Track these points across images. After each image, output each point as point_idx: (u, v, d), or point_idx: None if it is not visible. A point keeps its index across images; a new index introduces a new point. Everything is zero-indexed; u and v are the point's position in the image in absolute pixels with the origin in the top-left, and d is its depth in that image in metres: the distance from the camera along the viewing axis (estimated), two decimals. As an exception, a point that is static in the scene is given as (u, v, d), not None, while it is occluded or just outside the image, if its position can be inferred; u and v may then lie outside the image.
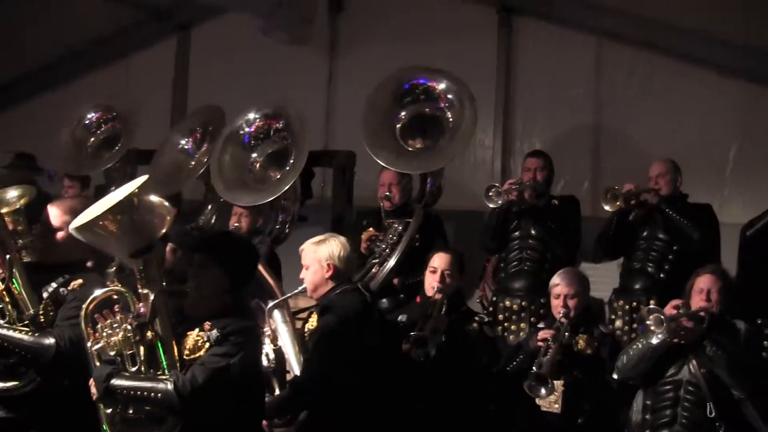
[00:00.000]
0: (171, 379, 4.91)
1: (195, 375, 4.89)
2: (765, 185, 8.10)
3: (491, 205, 8.12)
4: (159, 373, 5.02)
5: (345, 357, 6.01)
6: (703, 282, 6.38)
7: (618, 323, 7.89)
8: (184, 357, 5.04)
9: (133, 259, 5.01)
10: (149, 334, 5.02)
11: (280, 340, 6.38)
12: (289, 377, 6.42)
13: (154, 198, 5.69)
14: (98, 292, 5.17)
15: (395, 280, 8.08)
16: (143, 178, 5.11)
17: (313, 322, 6.33)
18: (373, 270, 8.05)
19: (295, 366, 6.29)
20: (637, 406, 6.39)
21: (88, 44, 11.89)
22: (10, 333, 5.60)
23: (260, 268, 6.59)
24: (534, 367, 6.44)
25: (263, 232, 8.16)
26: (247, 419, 5.15)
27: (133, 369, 5.03)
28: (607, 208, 7.93)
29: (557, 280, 6.87)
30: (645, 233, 8.07)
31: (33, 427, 5.75)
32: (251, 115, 8.20)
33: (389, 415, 6.32)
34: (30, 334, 5.59)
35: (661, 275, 7.88)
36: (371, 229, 8.30)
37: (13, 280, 5.72)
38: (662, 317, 6.00)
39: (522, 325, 7.97)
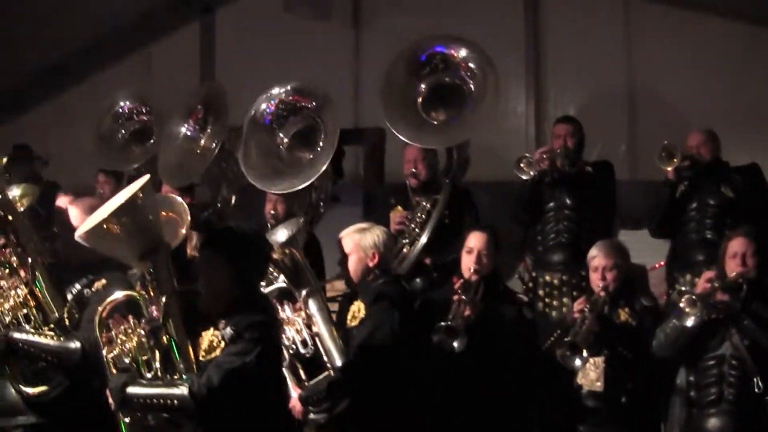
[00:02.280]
0: (186, 384, 4.81)
1: (210, 377, 4.78)
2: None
3: (523, 177, 7.90)
4: (176, 377, 4.92)
5: (393, 346, 5.98)
6: (737, 245, 6.11)
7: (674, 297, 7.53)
8: (201, 358, 4.96)
9: (141, 262, 4.92)
10: (164, 338, 4.91)
11: (316, 327, 6.23)
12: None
13: (162, 196, 5.65)
14: (110, 299, 5.09)
15: (427, 260, 7.87)
16: (144, 178, 4.99)
17: (360, 309, 6.22)
18: (404, 250, 7.85)
19: (334, 353, 6.14)
20: (681, 383, 6.18)
21: (110, 35, 11.69)
22: (36, 338, 5.59)
23: (297, 255, 6.42)
24: (569, 336, 6.28)
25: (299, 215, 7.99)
26: (268, 415, 5.02)
27: (149, 375, 4.94)
28: (665, 167, 7.62)
29: (594, 252, 6.65)
30: (695, 204, 7.83)
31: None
32: (271, 93, 7.99)
33: (426, 404, 6.22)
34: (55, 338, 5.59)
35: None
36: (399, 208, 8.10)
37: (36, 282, 5.69)
38: (694, 298, 5.82)
39: (564, 300, 7.74)
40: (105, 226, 4.76)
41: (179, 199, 5.97)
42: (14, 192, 6.08)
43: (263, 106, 7.85)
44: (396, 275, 6.51)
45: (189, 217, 5.83)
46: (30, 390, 5.76)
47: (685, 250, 7.84)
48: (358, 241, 6.29)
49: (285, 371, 6.04)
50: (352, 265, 6.30)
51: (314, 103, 7.79)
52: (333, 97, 7.83)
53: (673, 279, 7.85)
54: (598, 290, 6.51)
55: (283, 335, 6.11)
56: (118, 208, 4.76)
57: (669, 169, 7.60)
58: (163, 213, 5.69)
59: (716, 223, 7.66)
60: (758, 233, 6.28)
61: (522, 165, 7.87)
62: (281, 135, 7.87)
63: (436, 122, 7.99)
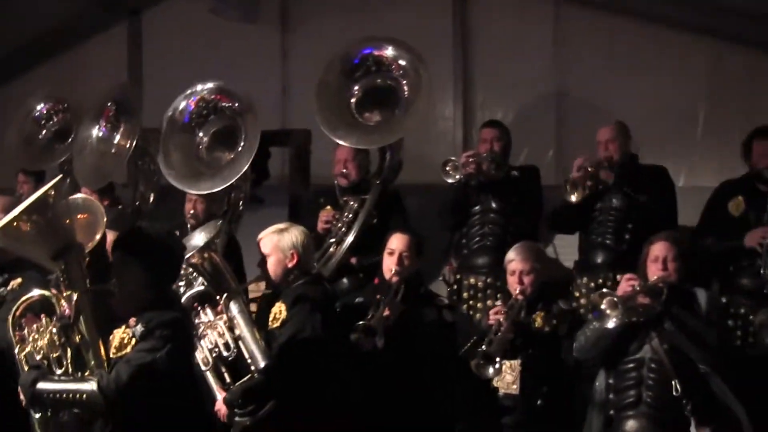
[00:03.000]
0: (95, 379, 4.82)
1: (119, 373, 4.81)
2: (736, 146, 7.89)
3: (449, 180, 7.89)
4: (87, 374, 4.93)
5: (315, 347, 5.96)
6: (658, 249, 6.13)
7: (583, 301, 7.59)
8: (111, 356, 4.97)
9: (54, 261, 4.94)
10: (75, 335, 4.94)
11: (238, 330, 6.18)
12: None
13: (79, 198, 5.62)
14: (24, 298, 5.12)
15: (353, 260, 7.86)
16: (57, 178, 5.04)
17: (281, 311, 6.16)
18: (331, 250, 7.85)
19: (257, 355, 6.09)
20: (600, 386, 6.17)
21: (37, 37, 11.55)
22: None
23: (217, 260, 6.39)
24: (483, 346, 6.26)
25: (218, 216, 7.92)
26: (182, 414, 5.02)
27: (60, 372, 4.95)
28: (573, 199, 7.64)
29: (512, 256, 6.66)
30: (599, 205, 7.85)
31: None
32: (193, 90, 7.96)
33: (347, 404, 6.18)
34: (-27, 337, 5.50)
35: (623, 246, 7.65)
36: (329, 207, 8.06)
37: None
38: (616, 300, 5.80)
39: (489, 302, 7.67)
40: (16, 224, 4.77)
41: (95, 200, 5.90)
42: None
43: (183, 104, 7.83)
44: (316, 275, 6.48)
45: (104, 219, 5.75)
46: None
47: (587, 251, 7.88)
48: (276, 242, 6.25)
49: (208, 374, 6.10)
50: (272, 266, 6.26)
51: (236, 105, 7.78)
52: (257, 100, 7.84)
53: (575, 284, 7.87)
54: (515, 294, 6.50)
55: (205, 339, 6.10)
56: (28, 206, 4.78)
57: (577, 201, 7.62)
58: (80, 216, 5.65)
59: (618, 229, 7.69)
60: (680, 238, 6.30)
61: (448, 168, 7.86)
62: (201, 134, 7.87)
63: (370, 123, 8.03)
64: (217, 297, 6.27)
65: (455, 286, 8.09)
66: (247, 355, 6.11)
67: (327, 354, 6.03)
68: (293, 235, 6.26)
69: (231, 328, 6.17)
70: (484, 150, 8.08)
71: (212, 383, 6.12)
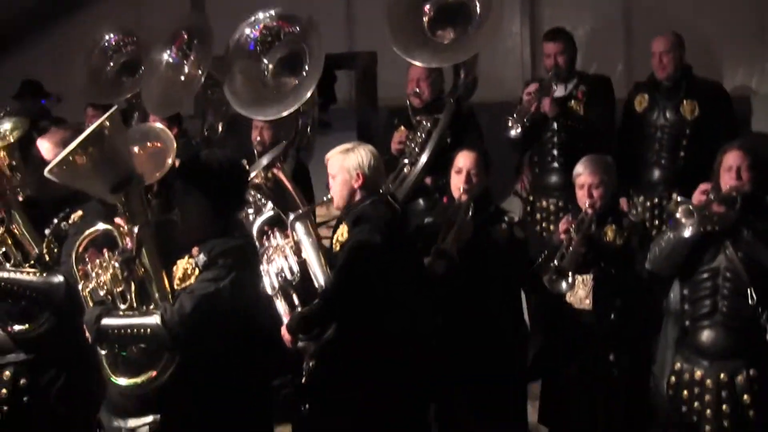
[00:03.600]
0: (159, 312, 4.79)
1: (183, 304, 4.76)
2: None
3: (512, 134, 7.82)
4: (151, 307, 4.88)
5: (378, 269, 5.78)
6: (732, 159, 5.91)
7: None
8: (175, 287, 4.91)
9: (113, 194, 4.87)
10: (137, 269, 4.87)
11: (304, 253, 6.10)
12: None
13: (147, 126, 5.54)
14: (86, 233, 5.02)
15: (428, 180, 7.79)
16: (112, 109, 4.91)
17: (343, 233, 6.00)
18: (405, 170, 7.80)
19: (321, 279, 6.01)
20: (674, 296, 6.07)
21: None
22: (18, 276, 5.57)
23: (282, 178, 6.34)
24: (555, 260, 6.19)
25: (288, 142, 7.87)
26: (248, 343, 5.02)
27: (124, 307, 4.89)
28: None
29: (580, 169, 6.51)
30: (652, 120, 7.72)
31: (52, 367, 5.76)
32: (255, 18, 7.88)
33: (415, 332, 6.04)
34: (38, 274, 5.54)
35: (679, 163, 7.48)
36: (402, 128, 7.99)
37: (13, 220, 5.64)
38: (691, 208, 5.66)
39: (561, 224, 7.71)
40: (72, 159, 4.67)
41: (165, 128, 5.84)
42: (4, 126, 5.96)
43: (247, 31, 7.75)
44: (384, 196, 6.20)
45: (174, 146, 5.70)
46: (16, 327, 5.73)
47: (642, 169, 7.74)
48: (342, 162, 6.07)
49: (276, 299, 5.98)
50: (336, 186, 6.10)
51: (298, 29, 7.67)
52: (318, 22, 7.72)
53: (632, 202, 7.76)
54: (585, 208, 6.40)
55: (273, 263, 6.00)
56: (84, 139, 4.66)
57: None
58: (149, 144, 5.59)
59: (672, 144, 7.54)
60: (754, 146, 6.12)
61: (510, 125, 7.79)
62: (266, 61, 7.80)
63: (443, 41, 7.89)
64: (285, 219, 6.19)
65: (528, 208, 8.01)
66: (314, 280, 6.04)
67: (390, 279, 5.85)
68: (359, 154, 6.06)
69: (297, 252, 6.09)
70: (549, 64, 7.99)
71: (280, 309, 5.99)
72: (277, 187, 6.30)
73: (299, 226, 6.16)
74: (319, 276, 6.01)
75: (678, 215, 5.70)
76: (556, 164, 8.08)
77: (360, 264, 5.75)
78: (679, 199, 5.86)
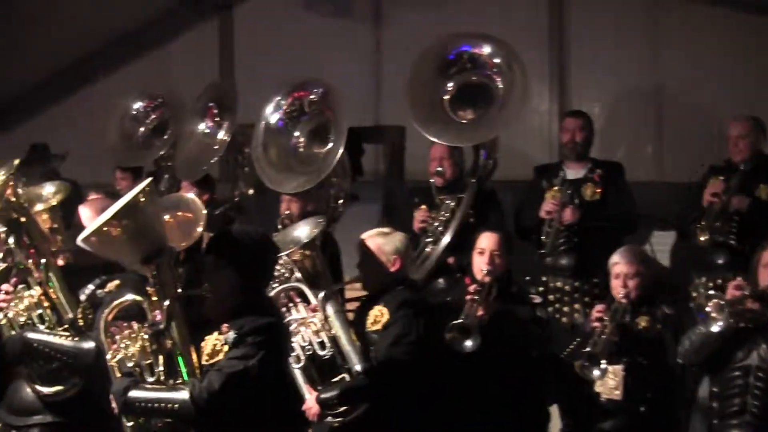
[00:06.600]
0: (187, 388, 4.76)
1: (211, 381, 4.72)
2: None
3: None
4: (179, 382, 4.86)
5: (418, 352, 5.96)
6: None
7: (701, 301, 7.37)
8: (204, 362, 4.89)
9: (144, 265, 4.86)
10: (166, 342, 4.87)
11: (334, 330, 6.12)
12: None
13: (178, 196, 5.55)
14: (115, 303, 5.04)
15: (450, 260, 7.77)
16: (146, 180, 4.91)
17: (382, 314, 6.13)
18: (427, 249, 7.78)
19: (353, 356, 6.04)
20: (703, 392, 6.04)
21: (128, 33, 11.55)
22: (51, 338, 5.56)
23: (315, 255, 6.36)
24: (588, 347, 6.16)
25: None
26: (271, 420, 4.94)
27: (152, 379, 4.88)
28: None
29: (617, 259, 6.48)
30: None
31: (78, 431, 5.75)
32: (277, 97, 7.88)
33: (440, 408, 6.18)
34: (70, 338, 5.54)
35: (746, 247, 7.45)
36: (424, 207, 7.98)
37: (50, 283, 5.62)
38: (722, 303, 5.64)
39: (576, 306, 7.71)
40: (106, 229, 4.69)
41: (195, 198, 5.86)
42: (48, 189, 6.01)
43: (274, 110, 7.78)
44: (414, 282, 6.42)
45: (203, 215, 5.72)
46: (45, 389, 5.71)
47: (705, 252, 7.70)
48: (380, 246, 6.21)
49: (298, 373, 6.03)
50: (371, 267, 6.22)
51: (318, 95, 7.74)
52: (349, 96, 7.84)
53: (690, 278, 7.71)
54: (619, 297, 6.37)
55: (297, 336, 6.05)
56: (118, 211, 4.69)
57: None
58: (179, 213, 5.61)
59: (741, 229, 7.52)
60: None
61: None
62: (297, 133, 7.80)
63: (464, 121, 7.94)
64: (312, 295, 6.20)
65: (541, 288, 7.99)
66: (340, 356, 6.06)
67: (425, 359, 6.00)
68: (397, 239, 6.24)
69: (328, 328, 6.12)
70: (566, 139, 8.05)
71: (301, 382, 6.04)
72: (311, 264, 6.33)
73: (330, 304, 6.19)
74: (351, 354, 6.04)
75: (708, 309, 5.70)
76: (568, 245, 8.04)
77: (407, 348, 5.93)
78: (711, 292, 5.85)
